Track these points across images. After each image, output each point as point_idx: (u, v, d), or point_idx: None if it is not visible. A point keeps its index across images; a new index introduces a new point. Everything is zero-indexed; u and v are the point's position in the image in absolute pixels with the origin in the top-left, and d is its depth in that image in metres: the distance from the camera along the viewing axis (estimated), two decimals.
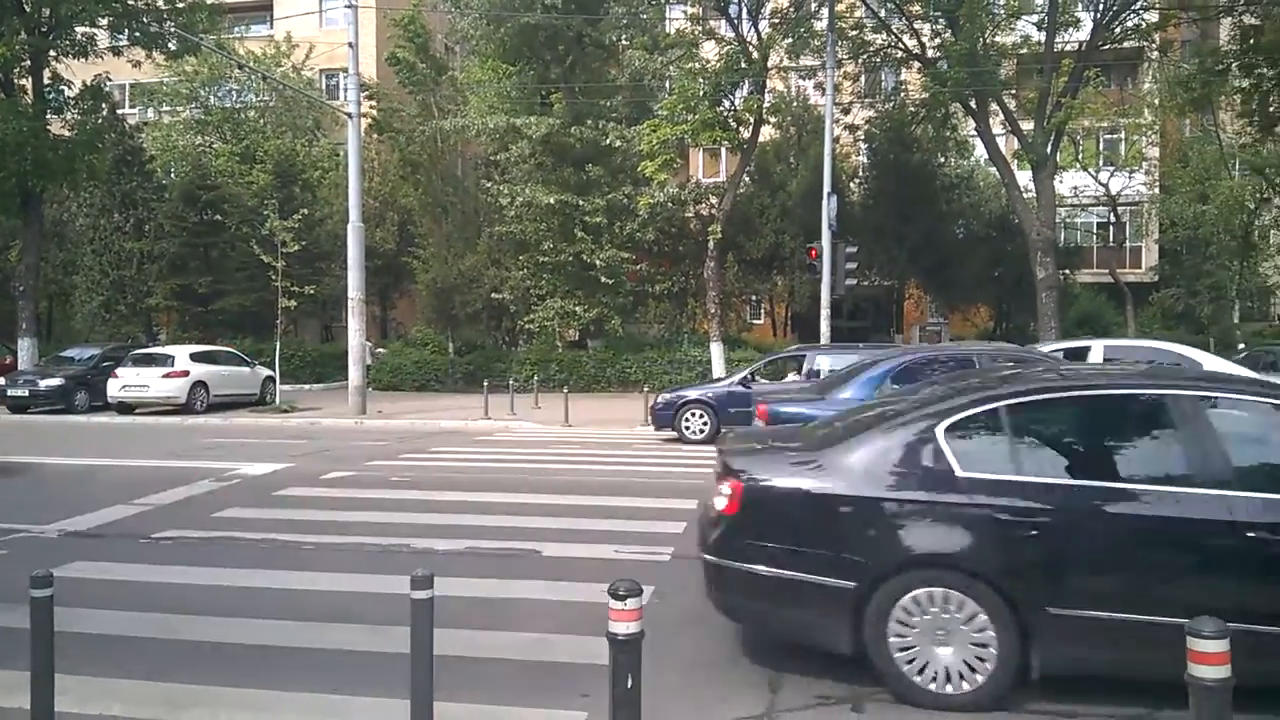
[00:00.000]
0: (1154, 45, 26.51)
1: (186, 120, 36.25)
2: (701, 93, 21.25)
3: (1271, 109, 24.67)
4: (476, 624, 5.74)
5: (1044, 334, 21.33)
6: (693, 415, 15.84)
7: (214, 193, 31.35)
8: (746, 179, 29.04)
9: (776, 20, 22.88)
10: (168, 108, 36.47)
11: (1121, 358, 13.58)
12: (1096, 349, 13.95)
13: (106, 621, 5.87)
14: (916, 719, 4.45)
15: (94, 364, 22.58)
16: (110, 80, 26.57)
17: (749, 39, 22.30)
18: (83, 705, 4.53)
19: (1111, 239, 36.27)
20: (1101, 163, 33.85)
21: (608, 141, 24.81)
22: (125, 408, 21.35)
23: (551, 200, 25.20)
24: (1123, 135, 34.18)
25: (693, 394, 16.34)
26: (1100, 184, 32.92)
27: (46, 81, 24.87)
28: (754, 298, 34.53)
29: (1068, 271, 30.50)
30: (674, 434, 15.96)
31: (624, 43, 27.15)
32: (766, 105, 24.36)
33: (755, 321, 36.24)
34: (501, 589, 6.65)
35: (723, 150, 31.31)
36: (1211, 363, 13.15)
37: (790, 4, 22.94)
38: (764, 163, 31.49)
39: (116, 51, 25.56)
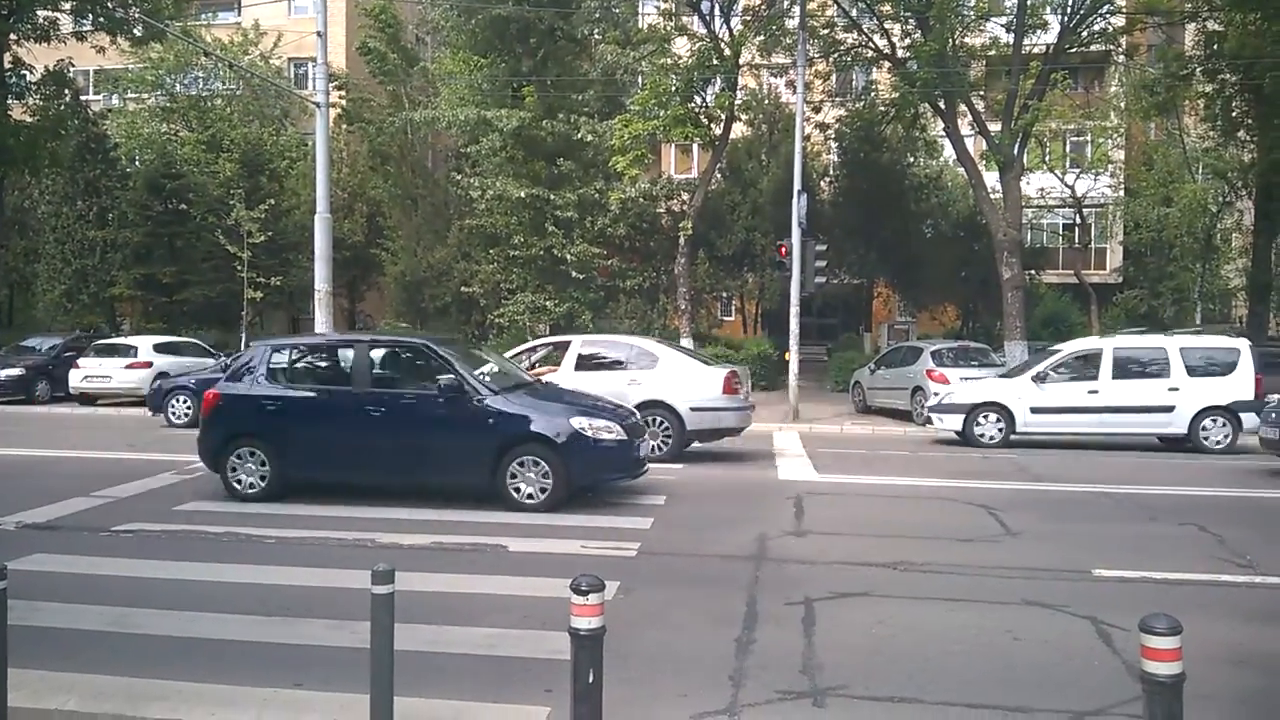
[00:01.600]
0: (1120, 49, 26.81)
1: (152, 108, 35.73)
2: (673, 88, 21.25)
3: (1234, 114, 25.09)
4: (441, 619, 5.73)
5: (1009, 334, 21.52)
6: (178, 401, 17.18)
7: (179, 181, 30.95)
8: (718, 176, 29.09)
9: (748, 17, 22.91)
10: (133, 94, 35.93)
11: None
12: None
13: (64, 615, 5.81)
14: (876, 710, 4.50)
15: (55, 354, 22.25)
16: (73, 66, 26.16)
17: (721, 36, 22.33)
18: (38, 700, 4.48)
19: (1077, 240, 36.66)
20: (1068, 165, 34.20)
21: (579, 136, 24.73)
22: (87, 398, 21.06)
23: (522, 194, 25.08)
24: (1089, 138, 34.55)
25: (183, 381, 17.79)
26: (1066, 186, 33.26)
27: (8, 66, 24.43)
28: (725, 294, 34.59)
29: (1033, 272, 30.81)
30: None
31: (596, 37, 27.05)
32: (738, 102, 24.40)
33: (726, 318, 36.32)
34: (467, 584, 6.64)
35: (694, 147, 31.35)
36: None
37: (762, 2, 22.99)
38: (735, 160, 31.55)
39: (80, 36, 25.15)
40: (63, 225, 30.26)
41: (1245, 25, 21.49)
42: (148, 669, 4.92)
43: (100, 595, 6.25)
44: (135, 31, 25.33)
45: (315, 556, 7.39)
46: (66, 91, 26.16)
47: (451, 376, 9.11)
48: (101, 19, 24.49)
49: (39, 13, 23.75)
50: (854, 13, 24.40)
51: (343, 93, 31.36)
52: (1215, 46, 23.17)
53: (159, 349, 21.80)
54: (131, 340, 22.63)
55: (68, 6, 24.27)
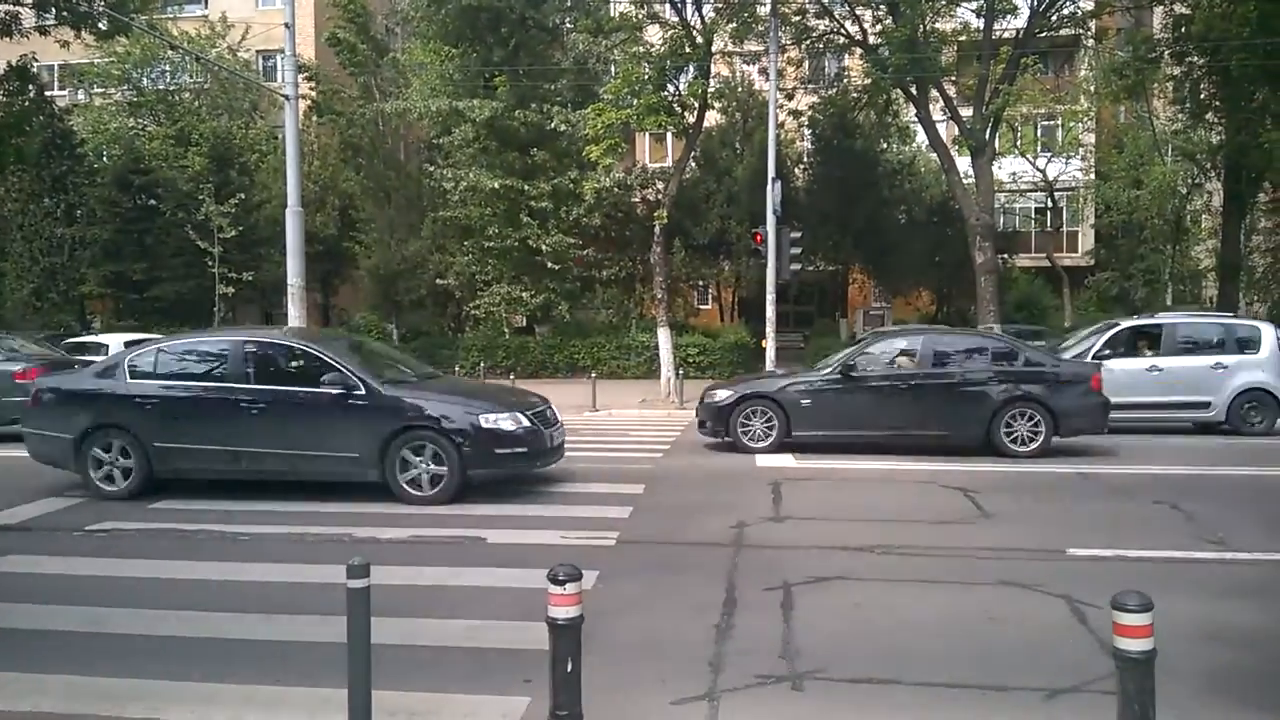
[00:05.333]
0: (1089, 33, 26.99)
1: (119, 102, 35.28)
2: (646, 77, 21.19)
3: (1202, 96, 25.32)
4: (420, 612, 5.72)
5: (983, 317, 21.69)
6: None
7: (148, 177, 30.61)
8: (692, 164, 29.06)
9: (720, 4, 22.85)
10: (99, 89, 35.45)
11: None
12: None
13: (38, 616, 5.75)
14: (855, 692, 4.53)
15: None
16: (37, 61, 25.73)
17: (693, 23, 22.26)
18: (12, 702, 4.44)
19: (1049, 224, 36.97)
20: (1039, 149, 34.47)
21: (552, 125, 24.64)
22: None
23: (496, 185, 24.97)
24: (1060, 122, 34.81)
25: None
26: (1038, 170, 33.53)
27: None
28: (701, 283, 34.64)
29: (1006, 256, 31.04)
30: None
31: (568, 25, 26.96)
32: (711, 90, 24.36)
33: (703, 306, 36.37)
34: (445, 576, 6.62)
35: (668, 135, 31.28)
36: None
37: None
38: (709, 148, 31.55)
39: (43, 31, 24.72)
40: (30, 223, 29.83)
41: (1212, 8, 21.68)
42: (125, 669, 4.88)
43: (75, 595, 6.19)
44: (100, 25, 24.92)
45: (292, 552, 7.35)
46: (30, 87, 25.75)
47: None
48: (65, 13, 24.09)
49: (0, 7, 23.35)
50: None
51: (313, 84, 31.08)
52: (1183, 29, 23.35)
53: (130, 346, 21.54)
54: (102, 338, 22.34)
55: (30, 0, 23.87)
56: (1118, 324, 15.99)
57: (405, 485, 9.08)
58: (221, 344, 9.99)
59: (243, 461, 9.31)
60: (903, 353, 12.90)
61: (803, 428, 12.53)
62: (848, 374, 12.51)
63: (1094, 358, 14.58)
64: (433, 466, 9.05)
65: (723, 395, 13.08)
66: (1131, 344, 15.41)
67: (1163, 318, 16.16)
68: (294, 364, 9.71)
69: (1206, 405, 14.56)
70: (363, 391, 9.09)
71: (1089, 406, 12.13)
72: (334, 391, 9.06)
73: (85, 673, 4.83)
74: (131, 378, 9.61)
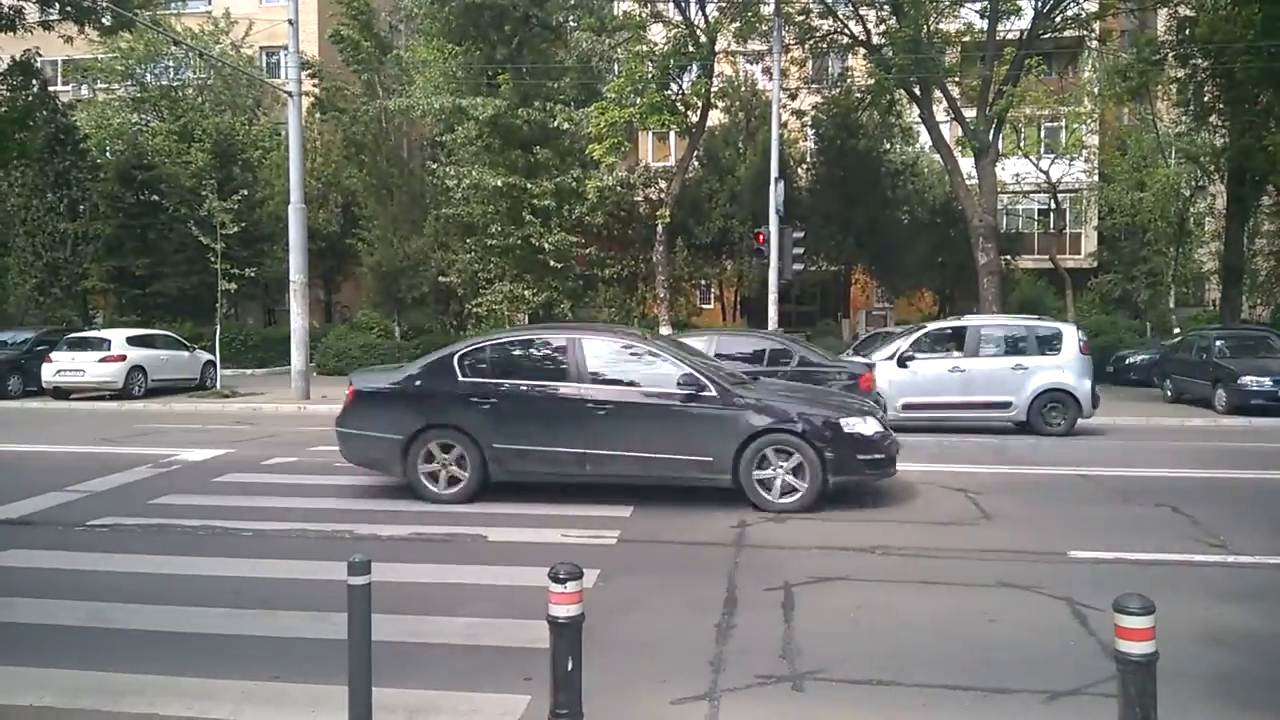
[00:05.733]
0: (1093, 34, 26.95)
1: (122, 98, 35.29)
2: (649, 75, 21.21)
3: (1206, 99, 25.29)
4: (420, 609, 5.71)
5: (985, 317, 21.65)
6: None
7: (151, 172, 30.63)
8: (695, 163, 29.07)
9: (724, 4, 22.88)
10: (102, 85, 35.46)
11: None
12: None
13: (38, 610, 5.75)
14: (855, 692, 4.53)
15: (28, 348, 21.97)
16: (41, 56, 25.77)
17: (696, 22, 22.30)
18: (13, 696, 4.44)
19: (1052, 225, 36.92)
20: (1042, 150, 34.41)
21: (555, 124, 24.63)
22: (60, 393, 20.84)
23: (499, 183, 24.96)
24: (1063, 123, 34.75)
25: None
26: (1041, 171, 33.46)
27: None
28: (703, 282, 34.62)
29: (1009, 257, 31.02)
30: None
31: (571, 24, 26.94)
32: (714, 89, 24.39)
33: (705, 306, 36.36)
34: (446, 574, 6.62)
35: (671, 134, 31.28)
36: None
37: None
38: (712, 147, 31.53)
39: (47, 26, 24.75)
40: (33, 218, 29.87)
41: (1216, 10, 21.67)
42: (124, 664, 4.88)
43: (75, 590, 6.19)
44: (104, 20, 24.95)
45: (292, 549, 7.35)
46: (34, 82, 25.77)
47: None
48: (69, 7, 24.11)
49: (3, 1, 23.33)
50: None
51: (316, 81, 31.04)
52: (1187, 31, 23.32)
53: (132, 342, 21.61)
54: (105, 333, 22.40)
55: None
56: (925, 326, 16.62)
57: (762, 492, 8.64)
58: (558, 340, 9.44)
59: (587, 465, 8.87)
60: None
61: None
62: None
63: (901, 358, 15.06)
64: (789, 474, 8.60)
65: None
66: (939, 345, 15.83)
67: (967, 319, 16.64)
68: (638, 363, 9.23)
69: (1008, 405, 14.95)
70: (713, 393, 8.71)
71: None
72: (685, 392, 8.70)
73: (86, 667, 4.83)
74: (463, 376, 9.10)
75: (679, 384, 8.74)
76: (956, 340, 15.74)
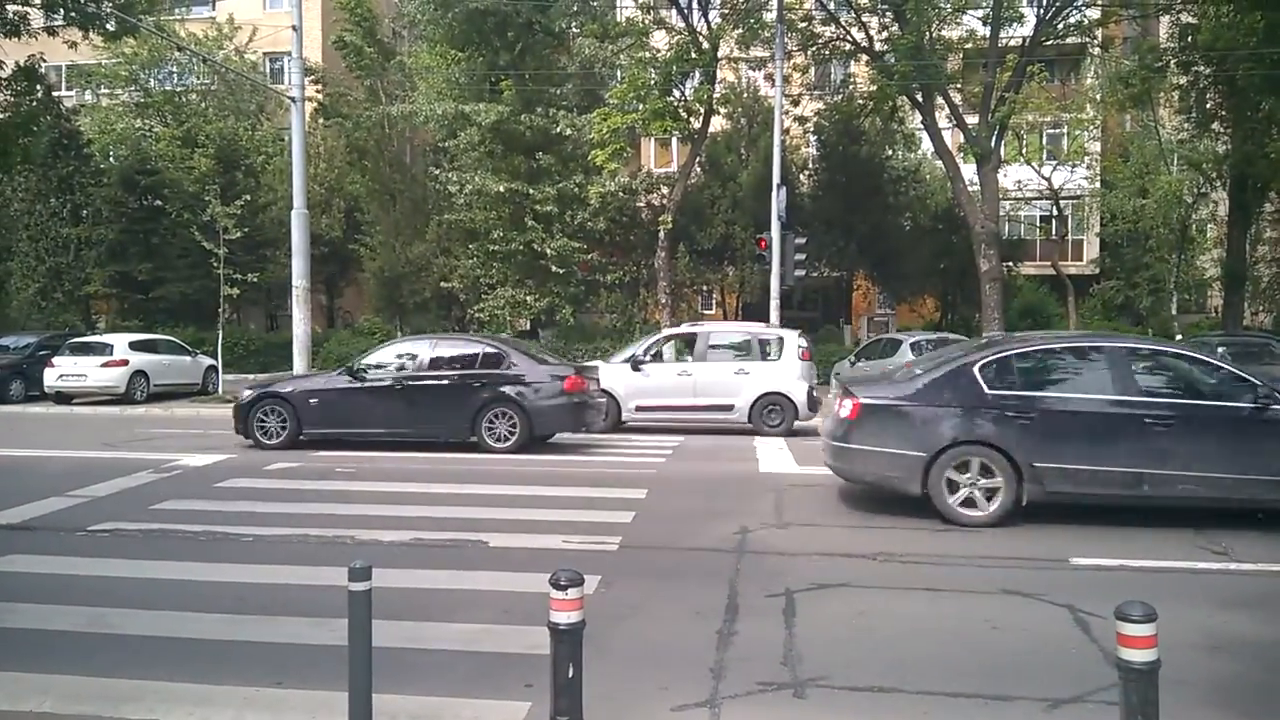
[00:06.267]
0: (1095, 41, 26.96)
1: (126, 103, 35.35)
2: (652, 82, 21.24)
3: (1208, 106, 25.31)
4: (421, 615, 5.71)
5: (987, 325, 21.67)
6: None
7: (154, 178, 30.67)
8: (697, 169, 29.09)
9: (726, 10, 22.92)
10: (106, 90, 35.53)
11: None
12: None
13: (39, 616, 5.74)
14: (857, 700, 4.52)
15: (30, 352, 21.99)
16: (45, 61, 25.77)
17: (699, 29, 22.33)
18: (14, 702, 4.43)
19: (1054, 232, 36.87)
20: (1044, 157, 34.39)
21: (558, 130, 24.68)
22: (63, 397, 20.84)
23: (501, 188, 25.01)
24: (1065, 130, 34.74)
25: None
26: (1043, 178, 33.43)
27: None
28: (705, 288, 34.62)
29: (1011, 264, 31.01)
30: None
31: (574, 30, 26.99)
32: (717, 96, 24.41)
33: (707, 311, 36.34)
34: (447, 580, 6.61)
35: (674, 140, 31.34)
36: None
37: None
38: (715, 153, 31.55)
39: (52, 31, 24.76)
40: (36, 223, 29.92)
41: (1219, 18, 21.67)
42: (125, 670, 4.88)
43: (76, 596, 6.18)
44: (108, 26, 24.95)
45: (294, 554, 7.34)
46: (38, 87, 25.77)
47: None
48: (73, 13, 24.11)
49: (9, 7, 23.37)
50: (831, 6, 24.48)
51: (319, 87, 31.15)
52: (1189, 39, 23.34)
53: (135, 347, 21.62)
54: (107, 338, 22.40)
55: (38, 1, 23.90)
56: (661, 332, 17.69)
57: None
58: (1093, 348, 8.97)
59: (1144, 485, 8.19)
60: (408, 356, 13.79)
61: (313, 426, 13.36)
62: (354, 375, 13.44)
63: (635, 362, 15.88)
64: None
65: (245, 394, 13.93)
66: (675, 350, 16.65)
67: (698, 326, 17.48)
68: (1182, 372, 8.84)
69: (730, 407, 15.67)
70: None
71: (561, 407, 13.04)
72: (1246, 405, 8.16)
73: (86, 673, 4.83)
74: (991, 388, 8.44)
75: (1256, 396, 8.12)
76: (688, 346, 16.50)
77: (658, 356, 16.47)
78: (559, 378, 13.08)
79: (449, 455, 13.13)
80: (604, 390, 14.78)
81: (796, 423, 15.56)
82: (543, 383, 13.02)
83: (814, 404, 15.88)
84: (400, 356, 13.85)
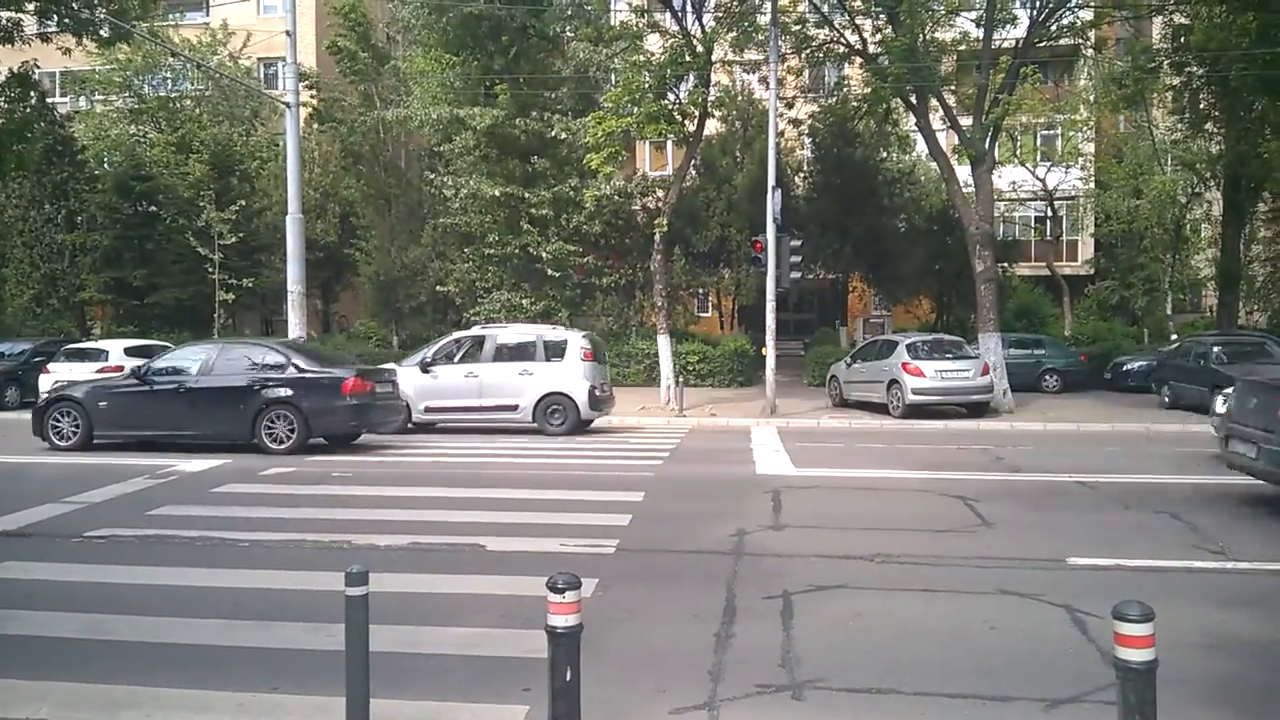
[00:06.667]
0: (1089, 43, 27.03)
1: (120, 109, 35.34)
2: (646, 85, 21.21)
3: (1201, 106, 25.36)
4: (418, 620, 5.70)
5: (983, 326, 21.64)
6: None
7: (148, 183, 30.65)
8: (692, 172, 29.09)
9: (720, 14, 22.91)
10: (100, 96, 35.51)
11: None
12: None
13: (35, 622, 5.73)
14: (855, 701, 4.51)
15: (25, 359, 21.95)
16: (39, 68, 25.77)
17: (693, 32, 22.32)
18: (9, 709, 4.41)
19: (1049, 233, 37.00)
20: (1039, 158, 34.50)
21: (553, 133, 24.68)
22: None
23: (496, 192, 25.01)
24: (1059, 131, 34.83)
25: None
26: (1038, 179, 33.57)
27: None
28: (701, 291, 34.66)
29: (1006, 265, 31.04)
30: None
31: (568, 34, 27.00)
32: (711, 99, 24.40)
33: (703, 314, 36.38)
34: (444, 584, 6.60)
35: (669, 143, 31.32)
36: None
37: None
38: (710, 156, 31.59)
39: (45, 38, 24.76)
40: (30, 229, 29.89)
41: (1211, 18, 21.72)
42: (121, 676, 4.86)
43: (72, 602, 6.17)
44: (102, 32, 24.93)
45: (290, 559, 7.33)
46: (32, 94, 25.75)
47: None
48: (67, 20, 24.08)
49: (2, 14, 23.35)
50: (825, 8, 24.49)
51: (313, 92, 31.14)
52: (1182, 39, 23.38)
53: (130, 353, 21.55)
54: (102, 344, 22.37)
55: (32, 7, 23.84)
56: (451, 335, 18.16)
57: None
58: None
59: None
60: (194, 360, 14.16)
61: (104, 428, 13.75)
62: (142, 379, 13.89)
63: (424, 365, 16.41)
64: None
65: (43, 397, 14.44)
66: (465, 352, 16.98)
67: (486, 329, 18.03)
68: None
69: (515, 407, 16.30)
70: None
71: (340, 408, 13.43)
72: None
73: (83, 679, 4.81)
74: None
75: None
76: (476, 348, 16.84)
77: (449, 358, 16.95)
78: (338, 380, 13.49)
79: (447, 457, 13.14)
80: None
81: (593, 421, 16.52)
82: (321, 386, 13.48)
83: (596, 403, 16.53)
84: (187, 361, 14.33)
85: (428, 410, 16.26)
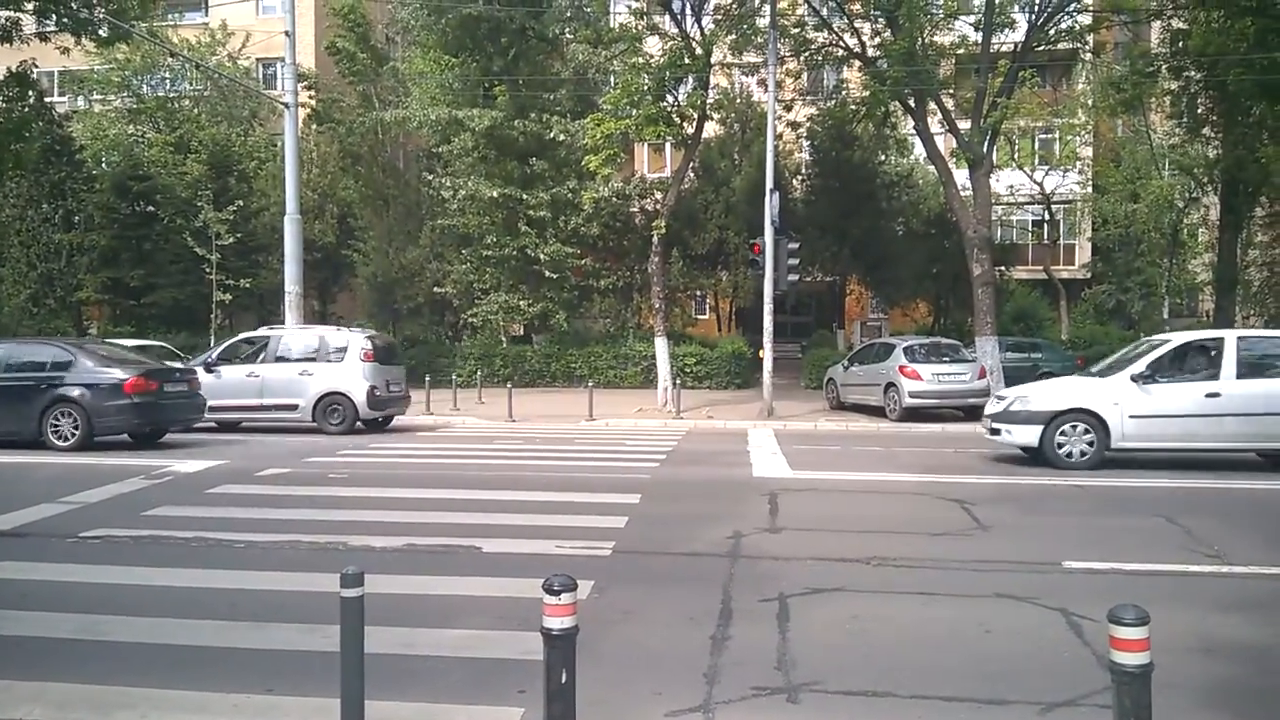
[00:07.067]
0: (1087, 47, 27.08)
1: (118, 109, 35.35)
2: (645, 87, 21.23)
3: (1199, 110, 25.42)
4: (414, 621, 5.68)
5: (980, 329, 21.68)
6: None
7: (146, 183, 30.65)
8: (691, 175, 29.12)
9: (720, 16, 22.94)
10: (98, 96, 35.50)
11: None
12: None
13: (30, 623, 5.71)
14: (851, 704, 4.51)
15: None
16: (37, 67, 25.74)
17: (692, 35, 22.35)
18: (4, 710, 4.40)
19: (1046, 237, 37.06)
20: (1037, 162, 34.56)
21: (551, 135, 24.70)
22: None
23: (495, 194, 25.03)
24: (1057, 135, 34.92)
25: None
26: (1035, 183, 33.64)
27: None
28: (699, 293, 34.68)
29: (1004, 268, 31.12)
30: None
31: (567, 36, 27.04)
32: (710, 101, 24.42)
33: (700, 317, 36.42)
34: (440, 586, 6.58)
35: (667, 146, 31.37)
36: None
37: (733, 1, 23.02)
38: (708, 159, 31.63)
39: (44, 37, 24.74)
40: (28, 229, 29.86)
41: (1209, 23, 21.76)
42: (116, 676, 4.84)
43: (67, 602, 6.15)
44: (101, 32, 24.91)
45: (286, 560, 7.31)
46: (30, 93, 25.73)
47: None
48: (66, 19, 24.06)
49: (0, 13, 23.33)
50: (824, 12, 24.53)
51: (312, 93, 31.14)
52: (1180, 44, 23.46)
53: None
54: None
55: (30, 6, 23.81)
56: (240, 335, 18.90)
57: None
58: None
59: None
60: None
61: None
62: None
63: (208, 365, 17.05)
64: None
65: None
66: (250, 353, 17.55)
67: (271, 330, 18.54)
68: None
69: (295, 407, 16.76)
70: None
71: (123, 407, 13.86)
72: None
73: (78, 680, 4.79)
74: None
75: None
76: (261, 349, 17.51)
77: (235, 359, 17.39)
78: (121, 380, 13.88)
79: (445, 458, 13.13)
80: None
81: (358, 423, 16.78)
82: (105, 385, 13.91)
83: (377, 403, 16.93)
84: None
85: (212, 409, 16.29)
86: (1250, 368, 12.23)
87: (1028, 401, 12.75)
